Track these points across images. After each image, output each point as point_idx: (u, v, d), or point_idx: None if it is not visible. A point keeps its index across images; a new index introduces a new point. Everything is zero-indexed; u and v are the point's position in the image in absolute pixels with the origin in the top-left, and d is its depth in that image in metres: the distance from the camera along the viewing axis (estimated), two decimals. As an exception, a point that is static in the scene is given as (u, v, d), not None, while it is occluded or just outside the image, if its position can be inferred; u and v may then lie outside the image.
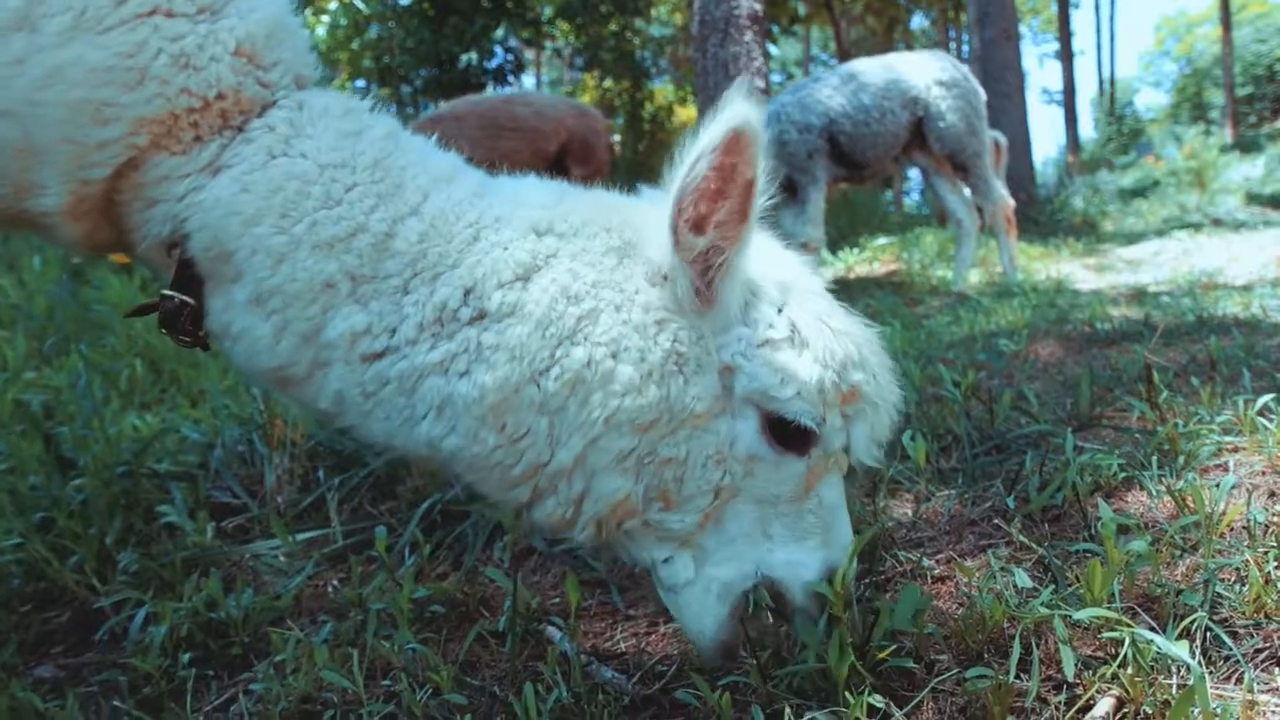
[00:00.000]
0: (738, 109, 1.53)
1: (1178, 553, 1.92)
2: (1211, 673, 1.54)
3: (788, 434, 1.66)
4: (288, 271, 1.68)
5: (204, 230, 1.70)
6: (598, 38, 20.36)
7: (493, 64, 18.30)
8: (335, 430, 1.85)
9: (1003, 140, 14.27)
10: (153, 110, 1.67)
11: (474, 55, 17.64)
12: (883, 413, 1.72)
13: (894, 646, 1.67)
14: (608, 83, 22.41)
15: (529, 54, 29.22)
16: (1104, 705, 1.47)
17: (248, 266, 1.70)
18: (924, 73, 8.05)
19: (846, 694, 1.49)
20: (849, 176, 8.36)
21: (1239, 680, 1.49)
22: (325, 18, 18.06)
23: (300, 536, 3.01)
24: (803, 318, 1.68)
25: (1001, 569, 1.87)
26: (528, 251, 1.69)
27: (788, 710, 1.53)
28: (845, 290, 8.84)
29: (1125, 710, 1.46)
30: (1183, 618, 1.60)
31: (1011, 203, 8.30)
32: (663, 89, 24.96)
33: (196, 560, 2.87)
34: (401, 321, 1.68)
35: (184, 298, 1.77)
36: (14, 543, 2.88)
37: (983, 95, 8.25)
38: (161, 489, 3.35)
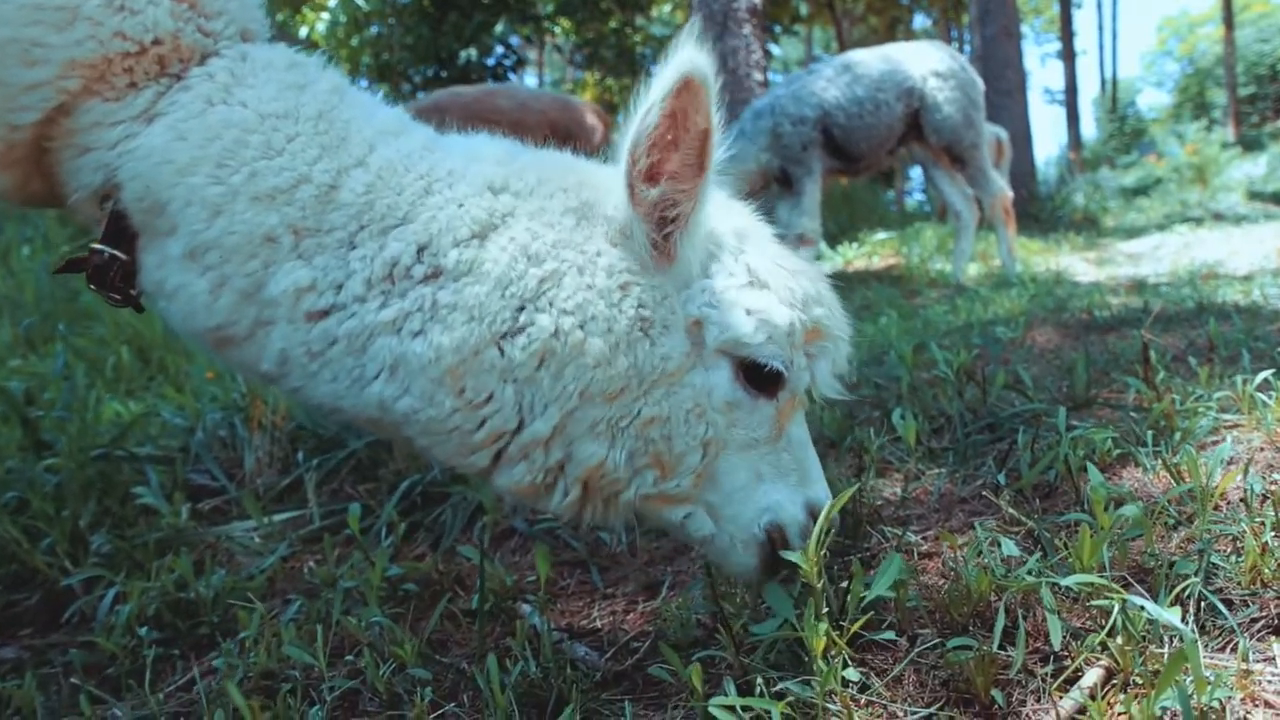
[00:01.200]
0: (687, 55, 1.49)
1: (1172, 523, 1.85)
2: (1206, 643, 1.47)
3: (759, 378, 1.68)
4: (225, 224, 1.61)
5: (137, 180, 1.63)
6: (598, 35, 20.30)
7: (492, 61, 18.23)
8: (317, 414, 1.77)
9: (1004, 137, 14.22)
10: (84, 53, 1.60)
11: (473, 52, 17.57)
12: (841, 346, 1.77)
13: (872, 617, 1.60)
14: (608, 80, 22.34)
15: (530, 51, 29.20)
16: (1092, 675, 1.40)
17: (182, 219, 1.62)
18: (920, 64, 7.95)
19: (822, 665, 1.42)
20: (844, 168, 8.27)
21: (1234, 650, 1.41)
22: (325, 14, 18.02)
23: (277, 517, 2.95)
24: (760, 262, 1.70)
25: (989, 540, 1.80)
26: (484, 209, 1.64)
27: (760, 681, 1.46)
28: (843, 283, 8.79)
29: (1114, 681, 1.39)
30: (1176, 587, 1.53)
31: (1010, 194, 8.21)
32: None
33: (170, 541, 2.81)
34: (348, 277, 1.62)
35: (115, 252, 1.69)
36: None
37: (980, 86, 8.16)
38: (139, 472, 3.29)
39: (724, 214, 1.76)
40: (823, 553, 1.52)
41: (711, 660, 1.67)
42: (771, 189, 8.33)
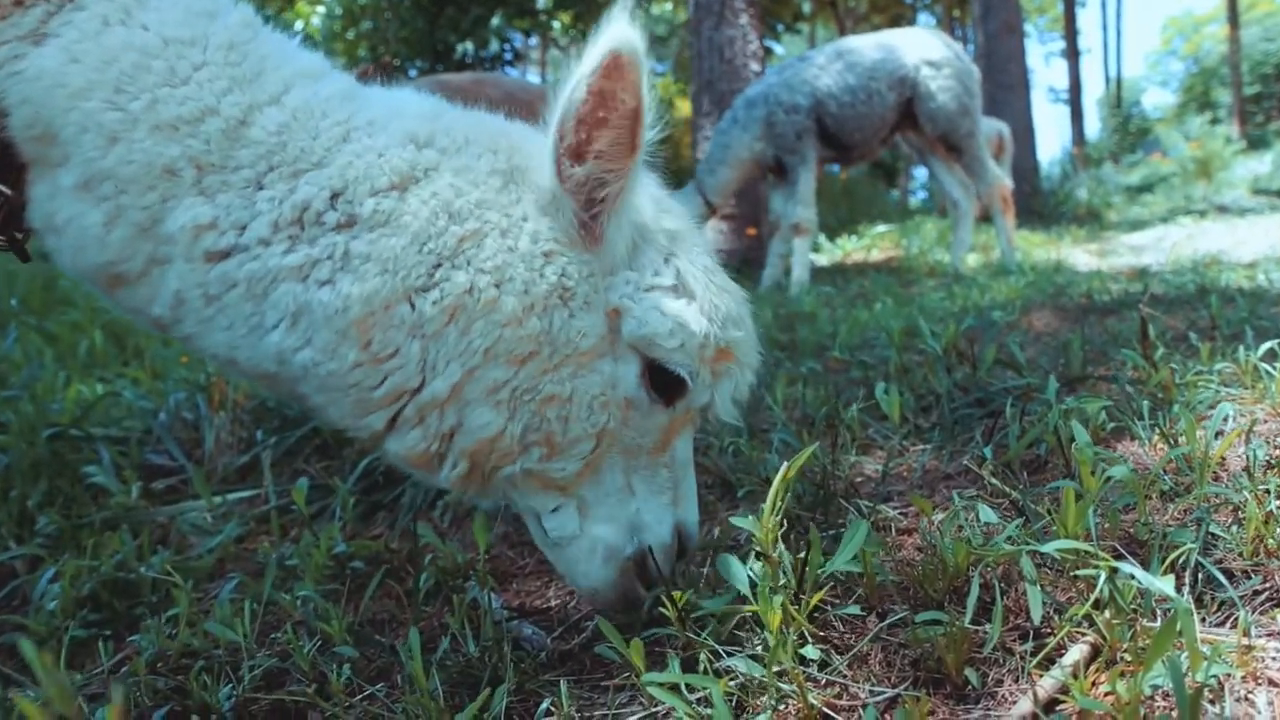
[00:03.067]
0: (618, 30, 1.42)
1: (1168, 491, 1.71)
2: (1203, 617, 1.33)
3: (663, 383, 1.64)
4: (122, 153, 1.49)
5: (26, 105, 1.50)
6: (597, 29, 20.06)
7: (489, 55, 18.05)
8: (212, 364, 1.65)
9: (1006, 132, 14.06)
10: None
11: (470, 45, 17.39)
12: (747, 374, 1.72)
13: (837, 591, 1.46)
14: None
15: (531, 44, 29.04)
16: (1076, 652, 1.25)
17: (76, 147, 1.50)
18: (914, 52, 7.78)
19: (777, 647, 1.28)
20: (836, 157, 8.11)
21: (1234, 624, 1.27)
22: (321, 8, 17.89)
23: (232, 496, 2.82)
24: (689, 269, 1.65)
25: (965, 507, 1.65)
26: (406, 161, 1.56)
27: (703, 657, 1.32)
28: (840, 274, 8.65)
29: (1101, 658, 1.25)
30: (1171, 557, 1.38)
31: (1008, 183, 8.06)
32: (664, 81, 24.70)
33: (117, 521, 2.67)
34: (253, 218, 1.52)
35: (1, 188, 1.58)
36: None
37: (976, 74, 7.99)
38: (96, 453, 3.15)
39: (659, 212, 1.70)
40: (778, 519, 1.38)
41: (663, 639, 1.53)
42: (766, 179, 8.20)
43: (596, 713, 1.40)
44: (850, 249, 10.96)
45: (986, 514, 1.55)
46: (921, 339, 3.25)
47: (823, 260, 10.58)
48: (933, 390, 2.89)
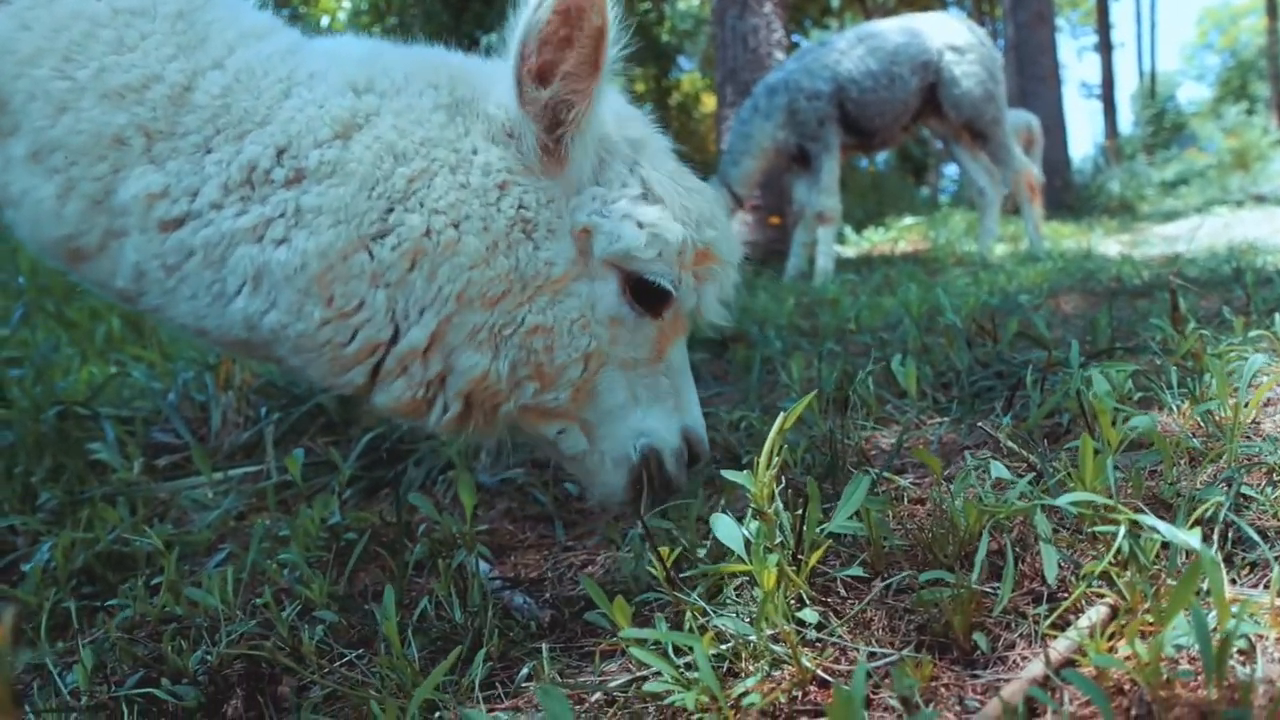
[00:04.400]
0: None
1: (1197, 453, 1.60)
2: (1233, 579, 1.23)
3: (646, 295, 1.64)
4: (70, 122, 1.48)
5: None
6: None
7: (515, 49, 17.99)
8: (182, 335, 1.64)
9: (1035, 124, 13.84)
10: None
11: (495, 39, 17.35)
12: (730, 271, 1.74)
13: (842, 554, 1.38)
14: (634, 69, 22.09)
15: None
16: (1093, 614, 1.16)
17: (25, 115, 1.49)
18: (937, 36, 7.62)
19: (769, 605, 1.20)
20: (858, 144, 7.97)
21: (1267, 585, 1.17)
22: (347, 2, 17.94)
23: (234, 472, 2.78)
24: (655, 176, 1.65)
25: (978, 467, 1.56)
26: (345, 109, 1.54)
27: (689, 617, 1.24)
28: (865, 265, 8.51)
29: (1120, 620, 1.16)
30: (1198, 512, 1.29)
31: (1034, 169, 7.89)
32: (690, 77, 24.59)
33: (117, 496, 2.63)
34: (203, 183, 1.51)
35: None
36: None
37: (1000, 59, 7.83)
38: (103, 431, 3.13)
39: (619, 121, 1.68)
40: (773, 472, 1.29)
41: (653, 603, 1.46)
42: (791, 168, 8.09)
43: (581, 678, 1.32)
44: (877, 241, 10.81)
45: (998, 469, 1.46)
46: (943, 318, 3.16)
47: (849, 252, 10.44)
48: (953, 366, 2.79)
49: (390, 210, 1.51)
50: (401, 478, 2.67)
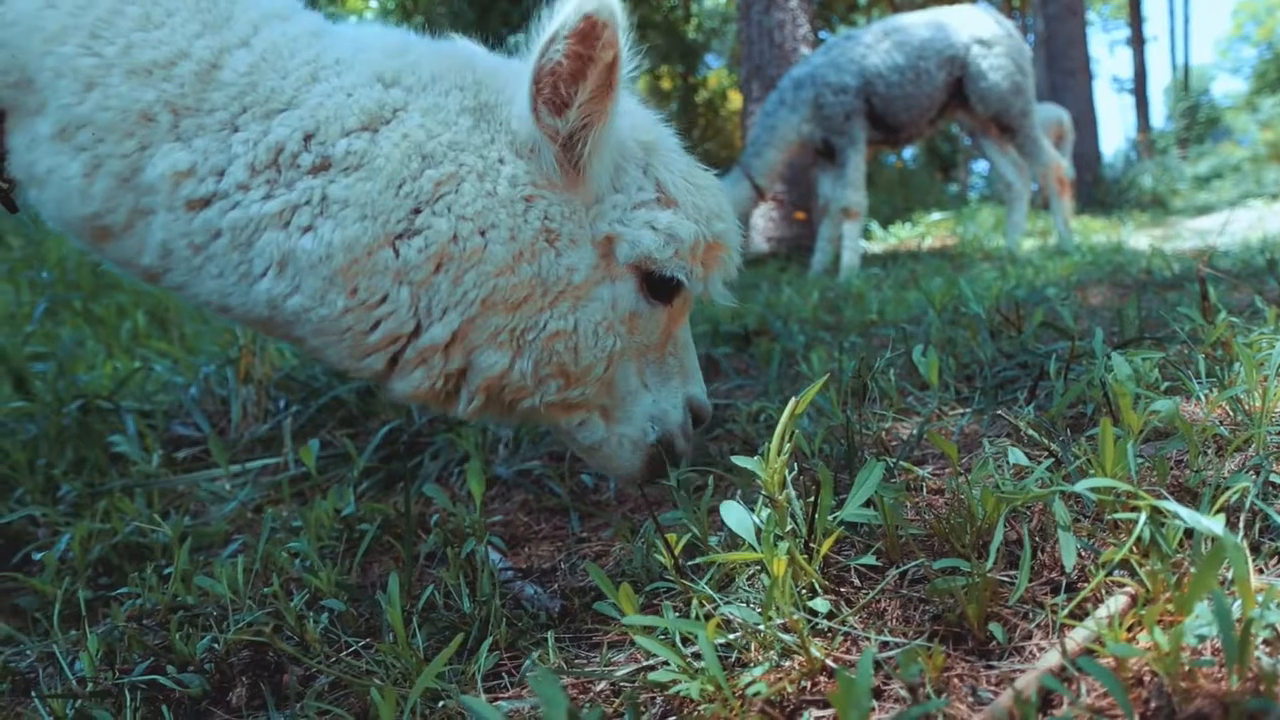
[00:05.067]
0: None
1: (1224, 440, 1.55)
2: (1260, 567, 1.19)
3: (659, 286, 1.72)
4: (98, 99, 1.48)
5: (2, 49, 1.50)
6: (647, 19, 20.00)
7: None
8: (205, 311, 1.65)
9: (1066, 118, 13.67)
10: None
11: (522, 38, 17.39)
12: (734, 256, 1.80)
13: (856, 543, 1.34)
14: (662, 66, 22.01)
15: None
16: (1113, 604, 1.12)
17: (52, 93, 1.49)
18: (964, 29, 7.52)
19: (775, 592, 1.17)
20: (884, 139, 7.88)
21: (1296, 574, 1.13)
22: (374, 2, 18.03)
23: (252, 464, 2.77)
24: (667, 176, 1.69)
25: (996, 454, 1.52)
26: (374, 100, 1.56)
27: (695, 605, 1.21)
28: (892, 260, 8.43)
29: (1139, 609, 1.12)
30: (1223, 498, 1.24)
31: (1064, 163, 7.77)
32: (717, 74, 24.50)
33: (137, 488, 2.64)
34: (230, 162, 1.51)
35: None
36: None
37: (1029, 52, 7.72)
38: (124, 424, 3.14)
39: (632, 125, 1.71)
40: (785, 459, 1.26)
41: (662, 592, 1.43)
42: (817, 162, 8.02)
43: (587, 667, 1.30)
44: (903, 236, 10.72)
45: (1016, 456, 1.42)
46: (967, 309, 3.10)
47: (875, 248, 10.35)
48: (977, 358, 2.74)
49: (417, 211, 1.53)
50: (418, 469, 2.66)
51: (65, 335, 4.13)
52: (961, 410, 2.33)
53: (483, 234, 1.54)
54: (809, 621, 1.20)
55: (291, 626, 1.52)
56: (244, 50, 1.55)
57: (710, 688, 1.06)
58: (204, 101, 1.51)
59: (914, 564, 1.31)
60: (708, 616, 1.19)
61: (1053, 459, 1.49)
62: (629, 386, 1.78)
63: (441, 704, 1.22)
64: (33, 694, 1.41)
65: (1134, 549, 1.15)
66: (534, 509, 2.34)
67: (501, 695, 1.26)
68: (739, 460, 1.31)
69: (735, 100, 22.95)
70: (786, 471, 1.36)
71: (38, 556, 2.02)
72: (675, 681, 1.11)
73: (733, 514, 1.32)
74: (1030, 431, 1.70)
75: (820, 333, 4.02)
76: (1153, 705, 0.93)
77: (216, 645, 1.47)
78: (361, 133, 1.54)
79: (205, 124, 1.51)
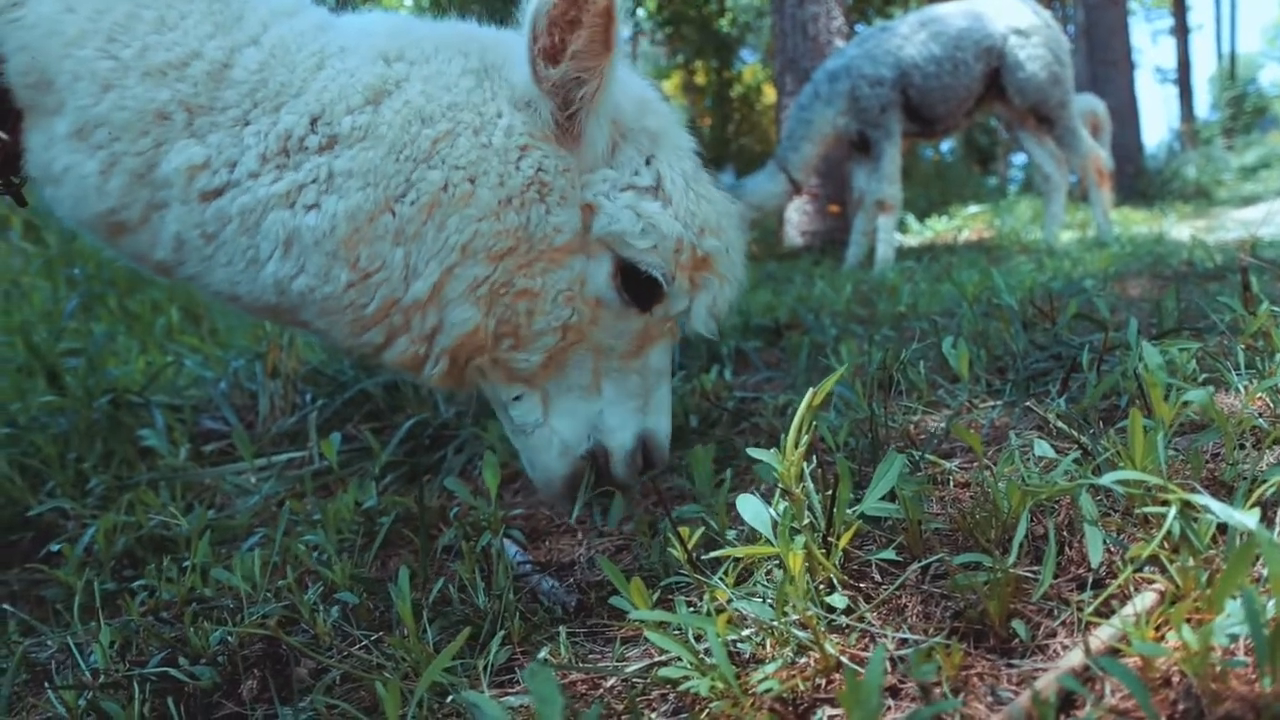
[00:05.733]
0: None
1: (1264, 433, 1.49)
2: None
3: (636, 285, 1.68)
4: (115, 99, 1.53)
5: (23, 52, 1.55)
6: (679, 13, 19.90)
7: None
8: (215, 302, 1.69)
9: (1101, 109, 13.41)
10: None
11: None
12: (727, 289, 1.75)
13: (877, 537, 1.31)
14: (696, 62, 21.90)
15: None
16: (1142, 600, 1.07)
17: (71, 94, 1.54)
18: (1001, 19, 7.38)
19: (787, 586, 1.14)
20: (920, 132, 7.77)
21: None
22: (408, 0, 18.12)
23: (278, 458, 2.78)
24: (669, 173, 1.67)
25: (1022, 446, 1.47)
26: (377, 75, 1.60)
27: (705, 600, 1.18)
28: (927, 253, 8.32)
29: (1171, 609, 1.07)
30: (1259, 492, 1.19)
31: (1103, 154, 7.63)
32: (752, 68, 24.35)
33: (163, 481, 2.66)
34: (242, 154, 1.56)
35: None
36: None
37: (1066, 42, 7.57)
38: (153, 419, 3.17)
39: (642, 111, 1.72)
40: (802, 451, 1.23)
41: (681, 587, 1.40)
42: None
43: (599, 662, 1.27)
44: (940, 230, 10.58)
45: (1043, 448, 1.38)
46: (1000, 301, 3.04)
47: (911, 241, 10.23)
48: (1010, 350, 2.68)
49: (414, 170, 1.56)
50: (441, 463, 2.65)
51: (97, 331, 4.17)
52: (993, 403, 2.28)
53: (472, 181, 1.56)
54: (825, 618, 1.16)
55: (305, 619, 1.51)
56: (254, 48, 1.60)
57: (720, 684, 1.03)
58: (217, 99, 1.56)
59: (934, 559, 1.26)
60: (719, 611, 1.16)
61: (1081, 451, 1.44)
62: (579, 379, 1.75)
63: (450, 699, 1.20)
64: (46, 685, 1.41)
65: (1164, 544, 1.10)
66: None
67: (510, 690, 1.24)
68: (755, 452, 1.29)
69: (770, 94, 22.79)
70: (805, 464, 1.33)
71: (55, 548, 2.03)
72: (686, 678, 1.08)
73: (749, 507, 1.29)
74: (1059, 424, 1.65)
75: (853, 326, 3.97)
76: (1180, 707, 0.88)
77: (230, 638, 1.46)
78: (365, 107, 1.57)
79: (218, 120, 1.56)
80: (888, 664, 1.09)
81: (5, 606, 1.88)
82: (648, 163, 1.68)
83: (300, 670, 1.38)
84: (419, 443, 2.77)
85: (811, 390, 1.27)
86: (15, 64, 1.55)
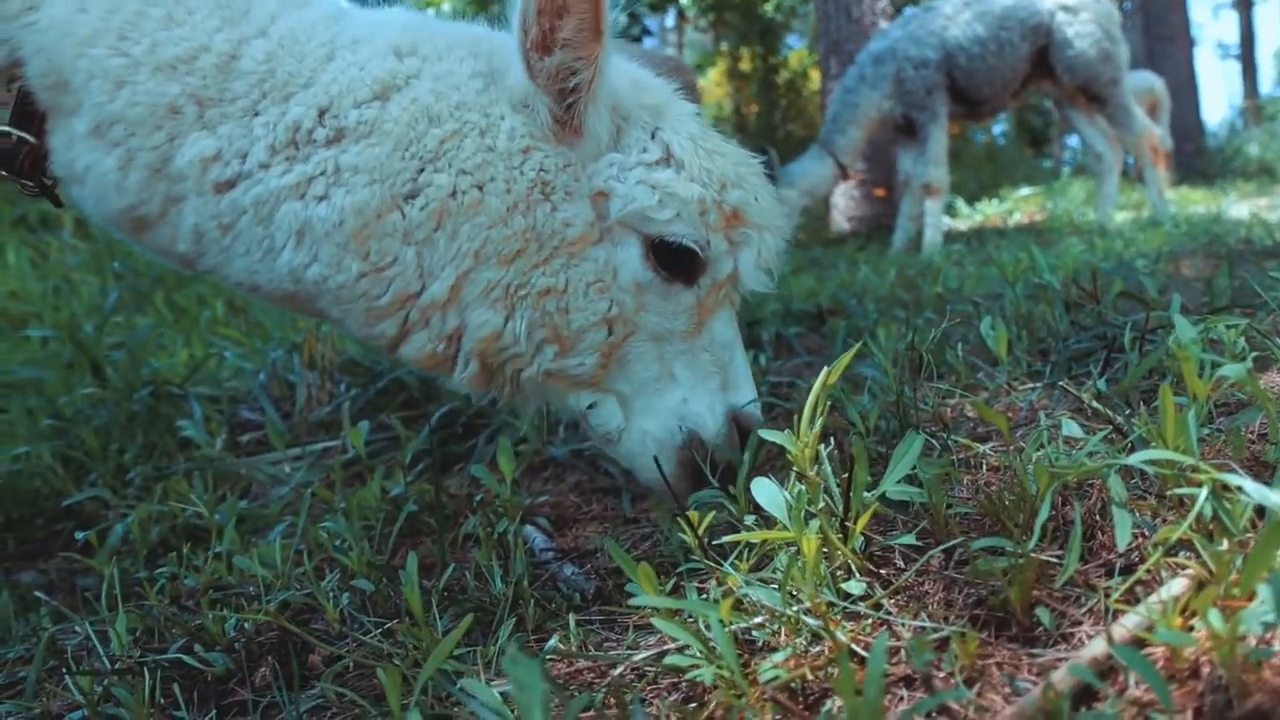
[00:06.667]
0: None
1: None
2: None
3: (673, 260, 1.63)
4: (128, 96, 1.56)
5: (40, 55, 1.59)
6: (724, 0, 19.72)
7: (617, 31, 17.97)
8: (237, 292, 1.69)
9: (1159, 86, 13.06)
10: None
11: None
12: (769, 237, 1.70)
13: (899, 522, 1.26)
14: (740, 48, 21.71)
15: (669, 25, 28.88)
16: (1173, 587, 1.02)
17: (86, 93, 1.56)
18: None
19: (793, 571, 1.10)
20: (965, 113, 7.60)
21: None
22: (445, 7, 18.20)
23: (311, 447, 2.80)
24: (675, 139, 1.64)
25: (1051, 427, 1.42)
26: (387, 70, 1.60)
27: (713, 586, 1.15)
28: (976, 237, 8.16)
29: (1204, 596, 1.01)
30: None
31: (1157, 131, 7.41)
32: (798, 54, 24.08)
33: (199, 471, 2.68)
34: (252, 145, 1.57)
35: (22, 135, 1.66)
36: (21, 450, 2.77)
37: (1117, 17, 7.36)
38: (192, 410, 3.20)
39: (637, 88, 1.70)
40: (817, 431, 1.19)
41: (697, 573, 1.37)
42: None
43: (610, 649, 1.24)
44: (990, 213, 10.38)
45: (1071, 428, 1.32)
46: (1040, 279, 2.95)
47: (960, 225, 10.05)
48: (1054, 332, 2.60)
49: (421, 170, 1.56)
50: (473, 452, 2.64)
51: (141, 324, 4.23)
52: (1032, 384, 2.21)
53: (480, 188, 1.55)
54: (839, 605, 1.12)
55: (322, 607, 1.50)
56: (262, 39, 1.61)
57: (726, 673, 1.00)
58: (226, 91, 1.57)
59: (954, 543, 1.22)
60: (727, 596, 1.12)
61: (1115, 431, 1.38)
62: (648, 372, 1.68)
63: (459, 685, 1.18)
64: (64, 671, 1.42)
65: (1196, 528, 1.04)
66: (587, 490, 2.30)
67: (520, 679, 1.21)
68: (767, 434, 1.25)
69: (816, 79, 22.52)
70: (823, 447, 1.29)
71: (80, 536, 2.05)
72: (695, 666, 1.05)
73: (764, 491, 1.25)
74: (1094, 404, 1.58)
75: (895, 310, 3.90)
76: (1208, 700, 0.83)
77: (246, 625, 1.46)
78: (373, 102, 1.57)
79: (228, 112, 1.57)
80: (904, 653, 1.05)
81: (39, 594, 1.90)
82: (653, 137, 1.65)
83: (314, 657, 1.37)
84: (451, 431, 2.76)
85: (826, 370, 1.23)
86: (34, 67, 1.59)
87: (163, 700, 1.30)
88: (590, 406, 1.70)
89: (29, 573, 2.41)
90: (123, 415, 3.02)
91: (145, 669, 1.32)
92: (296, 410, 3.18)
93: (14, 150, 1.64)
